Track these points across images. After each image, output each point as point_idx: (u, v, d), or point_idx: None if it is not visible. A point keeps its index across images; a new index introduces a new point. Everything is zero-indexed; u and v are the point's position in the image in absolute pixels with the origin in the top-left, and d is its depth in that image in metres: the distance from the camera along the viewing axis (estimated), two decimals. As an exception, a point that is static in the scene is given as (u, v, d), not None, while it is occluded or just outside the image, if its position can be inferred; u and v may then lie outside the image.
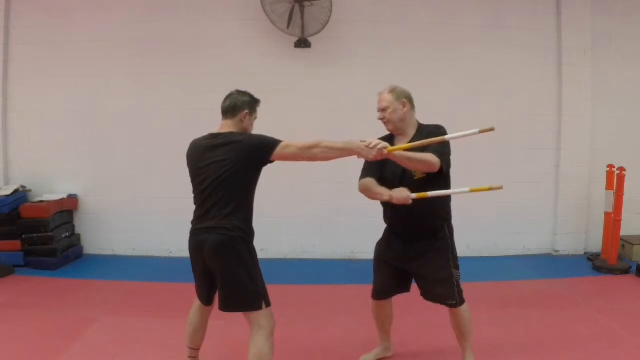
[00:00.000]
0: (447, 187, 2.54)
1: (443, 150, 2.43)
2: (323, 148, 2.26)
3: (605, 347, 3.03)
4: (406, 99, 2.57)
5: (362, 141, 2.31)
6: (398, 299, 2.81)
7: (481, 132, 2.33)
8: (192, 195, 2.39)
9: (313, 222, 5.09)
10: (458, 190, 2.45)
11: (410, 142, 2.50)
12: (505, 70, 5.13)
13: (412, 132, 2.57)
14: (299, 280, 4.47)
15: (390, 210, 2.60)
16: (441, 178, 2.47)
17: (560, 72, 5.14)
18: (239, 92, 2.46)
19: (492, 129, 2.33)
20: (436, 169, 2.39)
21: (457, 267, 2.59)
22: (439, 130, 2.51)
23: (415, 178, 2.48)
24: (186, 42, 5.02)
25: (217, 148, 2.27)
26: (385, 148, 2.29)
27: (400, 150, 2.35)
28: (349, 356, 2.89)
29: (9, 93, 5.06)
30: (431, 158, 2.37)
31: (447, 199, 2.58)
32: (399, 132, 2.59)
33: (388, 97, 2.56)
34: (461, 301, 2.58)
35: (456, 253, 2.61)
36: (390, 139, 2.60)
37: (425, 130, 2.56)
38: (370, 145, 2.29)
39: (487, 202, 5.16)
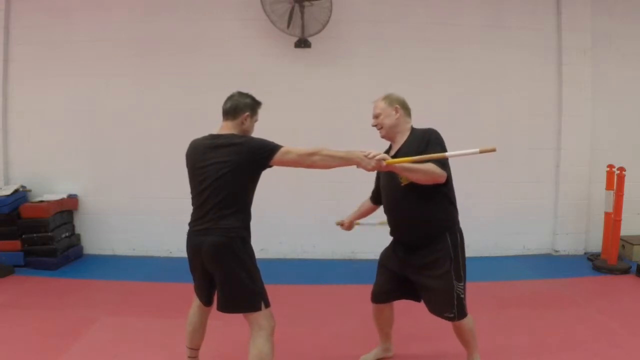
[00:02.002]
0: (450, 194, 2.51)
1: (443, 160, 2.38)
2: (323, 156, 2.26)
3: (605, 347, 3.03)
4: (399, 105, 2.54)
5: (362, 151, 2.31)
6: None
7: (481, 151, 2.31)
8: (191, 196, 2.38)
9: (313, 222, 5.08)
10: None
11: (401, 147, 2.50)
12: (505, 70, 5.13)
13: (403, 138, 2.54)
14: (299, 280, 4.47)
15: (388, 217, 2.60)
16: (442, 186, 2.43)
17: (560, 72, 5.14)
18: (240, 94, 2.44)
19: (493, 149, 2.31)
20: (443, 180, 2.36)
21: (461, 279, 2.46)
22: (431, 135, 2.45)
23: (402, 184, 2.45)
24: (186, 42, 5.02)
25: (217, 149, 2.26)
26: (384, 159, 2.28)
27: (400, 162, 2.31)
28: (349, 356, 2.89)
29: (9, 93, 5.06)
30: (436, 170, 2.32)
31: (450, 206, 2.52)
32: (391, 138, 2.58)
33: (381, 104, 2.57)
34: (460, 315, 2.47)
35: (461, 264, 2.48)
36: (388, 149, 2.59)
37: (417, 136, 2.50)
38: (369, 156, 2.28)
39: (487, 202, 5.18)
